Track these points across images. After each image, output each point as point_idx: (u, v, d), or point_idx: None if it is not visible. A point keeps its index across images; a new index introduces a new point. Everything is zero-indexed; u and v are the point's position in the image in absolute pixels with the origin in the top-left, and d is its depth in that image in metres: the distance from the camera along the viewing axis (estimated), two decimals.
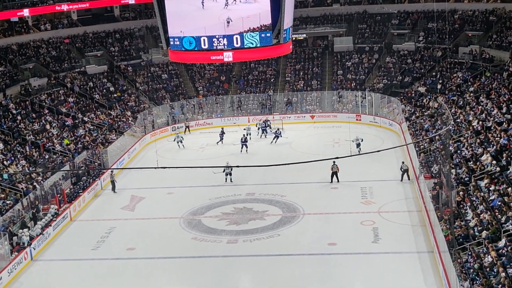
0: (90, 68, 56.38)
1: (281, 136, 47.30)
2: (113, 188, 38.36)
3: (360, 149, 41.16)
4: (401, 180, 36.61)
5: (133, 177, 41.10)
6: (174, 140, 46.97)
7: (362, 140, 41.88)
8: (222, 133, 47.66)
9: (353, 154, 24.40)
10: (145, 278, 27.14)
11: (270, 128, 49.53)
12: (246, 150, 44.80)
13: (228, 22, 25.83)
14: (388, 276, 25.74)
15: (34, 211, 32.90)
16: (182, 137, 47.34)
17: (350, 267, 26.99)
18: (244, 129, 48.50)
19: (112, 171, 38.91)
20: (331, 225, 31.57)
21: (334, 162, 35.97)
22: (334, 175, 36.80)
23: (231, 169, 38.06)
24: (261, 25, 25.87)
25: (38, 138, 43.17)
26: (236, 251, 29.23)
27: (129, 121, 51.17)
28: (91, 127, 48.11)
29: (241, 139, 45.35)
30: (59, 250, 31.01)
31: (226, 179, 38.34)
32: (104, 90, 54.95)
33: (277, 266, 27.67)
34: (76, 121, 48.07)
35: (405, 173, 36.68)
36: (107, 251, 30.10)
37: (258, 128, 49.64)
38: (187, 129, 52.33)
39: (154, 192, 37.99)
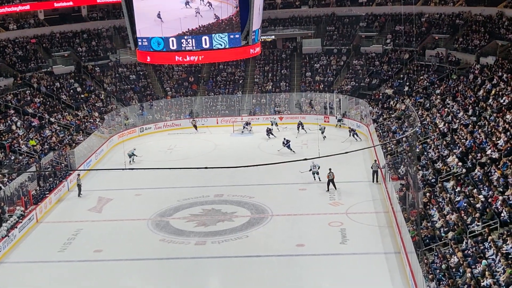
0: (57, 68, 55.83)
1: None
2: (79, 192, 37.79)
3: (324, 136, 46.19)
4: (373, 181, 36.84)
5: (100, 178, 40.77)
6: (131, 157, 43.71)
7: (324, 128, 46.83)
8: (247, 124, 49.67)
9: (321, 156, 24.47)
10: (112, 280, 26.95)
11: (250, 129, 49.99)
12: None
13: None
14: (355, 276, 25.88)
15: None
16: (134, 153, 44.13)
17: (319, 268, 27.09)
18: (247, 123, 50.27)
19: (78, 175, 38.46)
20: (299, 226, 31.65)
21: (330, 169, 35.73)
22: (331, 182, 35.99)
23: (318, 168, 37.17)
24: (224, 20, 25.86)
25: (3, 138, 42.62)
26: (205, 253, 29.17)
27: (97, 122, 50.81)
28: (58, 128, 47.65)
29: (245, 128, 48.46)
30: (25, 252, 30.63)
31: (314, 177, 37.44)
32: (71, 91, 54.46)
33: (246, 268, 27.69)
34: (43, 121, 47.58)
35: (375, 174, 36.92)
36: (74, 253, 29.82)
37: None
38: (195, 127, 52.20)
39: (121, 194, 37.75)
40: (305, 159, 22.08)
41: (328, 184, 35.98)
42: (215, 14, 25.34)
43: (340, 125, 49.42)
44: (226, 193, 36.64)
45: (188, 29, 25.59)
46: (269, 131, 48.19)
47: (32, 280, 27.51)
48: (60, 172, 39.72)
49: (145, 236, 31.41)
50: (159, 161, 42.93)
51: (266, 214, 33.28)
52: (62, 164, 41.75)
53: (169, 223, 32.84)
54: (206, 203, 35.41)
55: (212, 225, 32.22)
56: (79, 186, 37.92)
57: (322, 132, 46.16)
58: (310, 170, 37.29)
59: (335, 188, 35.93)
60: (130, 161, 43.01)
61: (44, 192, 36.76)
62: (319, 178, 37.19)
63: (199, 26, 25.47)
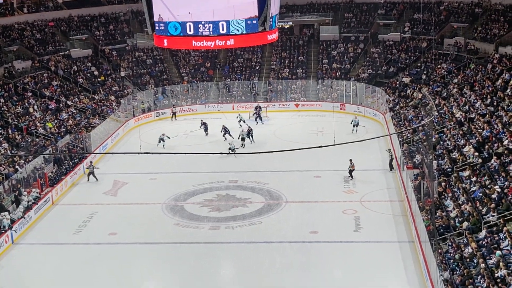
0: (74, 51, 56.02)
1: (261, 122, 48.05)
2: (94, 177, 37.70)
3: (356, 130, 44.79)
4: (390, 170, 36.75)
5: (116, 162, 40.96)
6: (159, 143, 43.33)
7: (358, 123, 45.27)
8: (204, 124, 46.44)
9: (336, 143, 24.39)
10: (126, 263, 27.10)
11: (260, 115, 49.67)
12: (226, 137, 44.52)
13: None
14: (369, 264, 25.86)
15: (16, 194, 32.70)
16: (167, 137, 43.80)
17: (331, 255, 27.11)
18: (237, 117, 48.22)
19: (90, 162, 38.47)
20: (313, 213, 31.65)
21: (350, 160, 35.72)
22: (350, 173, 35.89)
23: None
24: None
25: (21, 121, 42.87)
26: (218, 238, 29.25)
27: (113, 106, 50.97)
28: (75, 111, 47.86)
29: (224, 128, 44.85)
30: (41, 234, 30.88)
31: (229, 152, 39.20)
32: (88, 74, 54.66)
33: (259, 254, 27.74)
34: (60, 104, 47.80)
35: (390, 163, 36.85)
36: (88, 235, 30.00)
37: (253, 114, 49.50)
38: (173, 115, 52.08)
39: (137, 178, 37.90)
40: (321, 146, 21.96)
41: (350, 173, 35.87)
42: None
43: (356, 131, 45.03)
44: (240, 179, 36.68)
45: None
46: (225, 130, 44.95)
47: (46, 261, 27.71)
48: (76, 155, 39.91)
49: (160, 220, 31.54)
50: (174, 146, 43.00)
51: (280, 201, 33.30)
52: (78, 147, 41.96)
53: (184, 207, 32.95)
54: (220, 188, 35.49)
55: (226, 211, 32.30)
56: (91, 173, 37.57)
57: (356, 125, 45.03)
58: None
59: (352, 178, 35.84)
60: (163, 146, 42.88)
61: (60, 175, 36.98)
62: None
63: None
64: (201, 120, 46.70)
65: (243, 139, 41.88)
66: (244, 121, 47.53)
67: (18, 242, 29.79)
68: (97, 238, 29.69)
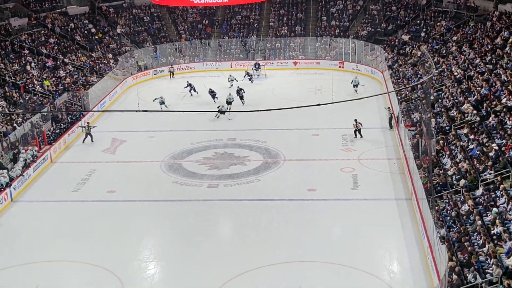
0: (71, 8, 55.63)
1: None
2: (89, 139, 37.31)
3: (356, 90, 43.80)
4: (390, 128, 36.64)
5: (114, 120, 40.93)
6: (155, 100, 42.21)
7: (358, 83, 44.36)
8: (190, 85, 45.80)
9: (335, 102, 24.35)
10: (125, 221, 27.24)
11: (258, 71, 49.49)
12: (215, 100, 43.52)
13: None
14: (366, 222, 26.00)
15: (15, 152, 32.72)
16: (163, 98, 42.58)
17: (329, 213, 27.24)
18: (229, 78, 47.45)
19: (88, 123, 38.13)
20: (311, 171, 31.74)
21: (356, 120, 35.50)
22: (358, 132, 35.53)
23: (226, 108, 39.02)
24: None
25: (18, 78, 42.70)
26: (217, 196, 29.38)
27: (110, 64, 50.74)
28: (72, 68, 47.65)
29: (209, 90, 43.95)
30: (39, 191, 31.00)
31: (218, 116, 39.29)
32: (85, 32, 54.30)
33: (257, 211, 27.89)
34: (57, 62, 47.56)
35: (390, 121, 36.79)
36: (87, 193, 30.11)
37: (244, 76, 49.08)
38: (171, 74, 51.88)
39: (135, 136, 37.92)
40: (319, 104, 21.90)
41: (356, 133, 35.72)
42: None
43: (356, 91, 44.05)
44: (239, 137, 36.72)
45: None
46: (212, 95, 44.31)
47: (45, 219, 27.82)
48: (73, 113, 39.82)
49: (158, 178, 31.64)
50: (172, 104, 42.90)
51: (279, 159, 33.38)
52: (76, 105, 41.87)
53: (182, 165, 33.04)
54: (219, 146, 35.54)
55: (225, 169, 32.39)
56: (88, 134, 37.17)
57: (356, 86, 44.18)
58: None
59: (358, 137, 35.64)
60: (166, 106, 41.76)
61: (58, 133, 36.95)
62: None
63: None
64: (187, 82, 46.31)
65: (229, 103, 41.10)
66: (235, 80, 46.98)
67: (17, 199, 29.90)
68: (96, 196, 29.80)
